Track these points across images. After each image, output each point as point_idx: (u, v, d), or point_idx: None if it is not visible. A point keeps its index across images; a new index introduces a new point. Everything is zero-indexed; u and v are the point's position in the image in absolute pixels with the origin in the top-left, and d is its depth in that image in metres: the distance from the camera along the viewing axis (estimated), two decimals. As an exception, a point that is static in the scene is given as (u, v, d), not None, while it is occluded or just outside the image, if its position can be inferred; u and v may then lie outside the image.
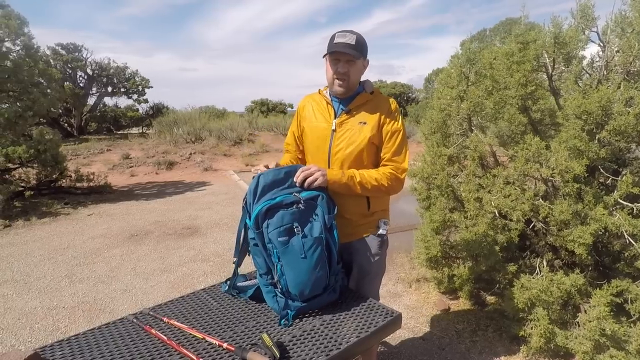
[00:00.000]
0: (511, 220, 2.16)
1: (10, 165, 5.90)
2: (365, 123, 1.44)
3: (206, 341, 1.17)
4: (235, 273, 1.44)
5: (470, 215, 2.30)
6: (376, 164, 1.50)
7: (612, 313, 1.97)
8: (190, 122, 12.94)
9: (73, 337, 1.24)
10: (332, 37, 1.41)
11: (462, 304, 2.82)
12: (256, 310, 1.36)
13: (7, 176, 5.86)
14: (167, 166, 9.63)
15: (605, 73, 2.27)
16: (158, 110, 18.38)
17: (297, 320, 1.28)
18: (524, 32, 2.29)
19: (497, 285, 2.64)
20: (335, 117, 1.48)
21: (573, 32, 2.30)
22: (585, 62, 2.46)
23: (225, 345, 1.13)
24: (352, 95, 1.48)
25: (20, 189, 5.98)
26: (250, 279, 1.51)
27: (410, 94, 26.33)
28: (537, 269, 2.23)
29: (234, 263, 1.43)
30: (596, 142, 2.08)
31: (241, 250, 1.39)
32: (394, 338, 2.43)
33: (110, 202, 6.28)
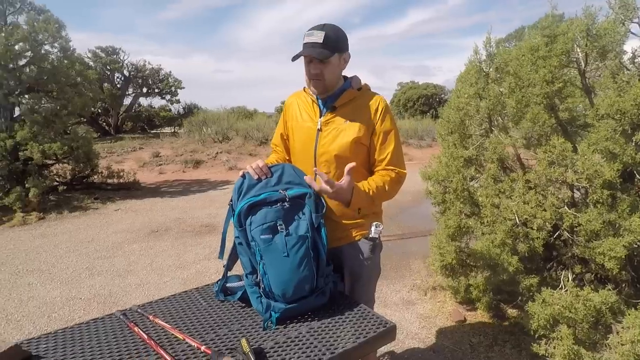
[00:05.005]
0: (532, 228, 1.99)
1: (48, 161, 6.24)
2: (352, 121, 1.36)
3: (186, 342, 1.13)
4: (224, 276, 1.40)
5: (487, 221, 2.14)
6: (365, 164, 1.42)
7: (648, 336, 1.76)
8: (219, 122, 13.24)
9: (60, 331, 1.24)
10: (303, 37, 1.32)
11: (479, 316, 2.64)
12: (244, 313, 1.31)
13: (44, 171, 6.20)
14: (194, 165, 9.89)
15: (645, 68, 2.05)
16: (189, 111, 18.96)
17: (283, 326, 1.21)
18: (551, 24, 2.11)
19: (520, 298, 2.46)
20: (320, 116, 1.41)
21: (610, 23, 2.09)
22: (626, 57, 2.25)
23: (203, 348, 1.08)
24: (337, 92, 1.40)
25: (56, 183, 6.32)
26: (242, 280, 1.46)
27: (442, 95, 25.63)
28: (562, 282, 2.04)
29: (223, 266, 1.40)
30: (632, 144, 1.88)
31: (232, 253, 1.36)
32: (402, 348, 2.31)
33: (137, 198, 6.50)
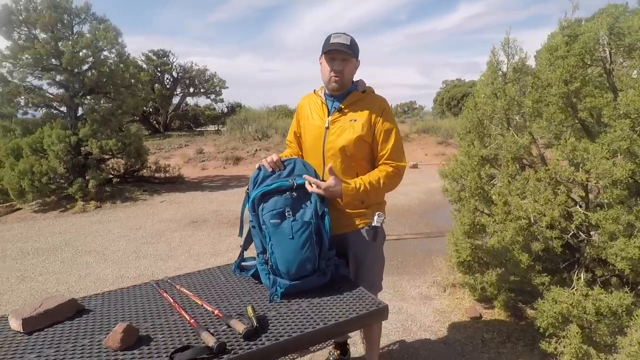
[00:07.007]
0: (541, 226, 2.00)
1: (104, 156, 6.93)
2: (356, 120, 1.52)
3: (203, 307, 1.34)
4: (240, 255, 1.61)
5: (499, 219, 2.17)
6: (369, 160, 1.56)
7: (661, 340, 1.73)
8: (259, 120, 13.74)
9: (106, 292, 1.51)
10: (328, 38, 1.51)
11: (496, 314, 2.66)
12: (255, 287, 1.50)
13: (101, 165, 6.89)
14: (234, 161, 10.39)
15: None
16: (232, 109, 19.81)
17: (287, 301, 1.38)
18: (571, 24, 2.10)
19: (539, 298, 2.45)
20: (328, 115, 1.57)
21: (636, 21, 2.05)
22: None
23: (216, 312, 1.29)
24: (344, 94, 1.56)
25: (110, 176, 6.98)
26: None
27: (487, 93, 24.49)
28: (574, 282, 2.03)
29: (240, 247, 1.60)
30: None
31: (247, 236, 1.55)
32: (414, 338, 2.41)
33: (181, 191, 7.01)
